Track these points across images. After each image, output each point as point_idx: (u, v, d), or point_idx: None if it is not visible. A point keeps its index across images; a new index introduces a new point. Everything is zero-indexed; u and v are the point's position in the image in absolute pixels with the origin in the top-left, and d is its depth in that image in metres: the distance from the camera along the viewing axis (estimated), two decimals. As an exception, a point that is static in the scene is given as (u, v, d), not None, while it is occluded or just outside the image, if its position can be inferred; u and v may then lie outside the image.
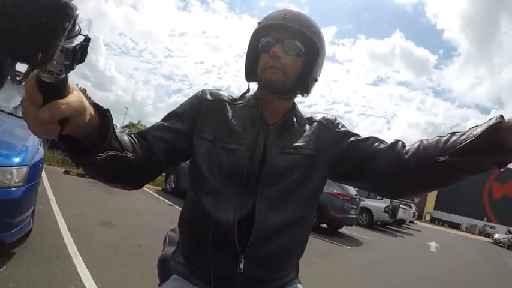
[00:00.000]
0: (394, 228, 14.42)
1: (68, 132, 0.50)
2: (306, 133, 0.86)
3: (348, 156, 0.84)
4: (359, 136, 0.88)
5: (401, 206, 14.95)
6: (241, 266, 0.75)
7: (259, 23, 0.83)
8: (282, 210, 0.78)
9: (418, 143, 0.77)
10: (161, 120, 0.83)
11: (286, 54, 0.78)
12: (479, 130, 0.66)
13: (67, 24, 0.33)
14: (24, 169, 2.13)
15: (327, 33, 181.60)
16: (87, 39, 0.39)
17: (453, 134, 0.72)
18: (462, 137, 0.68)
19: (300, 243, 0.86)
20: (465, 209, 41.50)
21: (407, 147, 0.79)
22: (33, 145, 2.42)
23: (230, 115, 0.84)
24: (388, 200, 12.24)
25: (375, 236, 9.42)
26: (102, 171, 0.65)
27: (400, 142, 0.81)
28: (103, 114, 0.56)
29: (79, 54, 0.39)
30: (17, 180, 2.05)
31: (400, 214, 14.46)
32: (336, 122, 0.90)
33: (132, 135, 0.74)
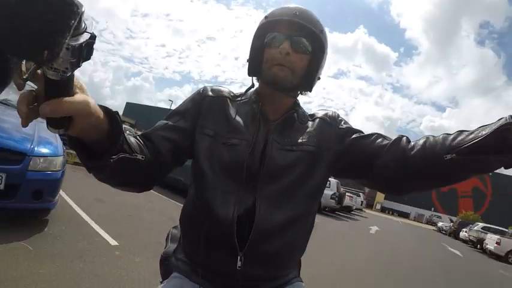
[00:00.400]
0: (341, 214, 15.92)
1: (75, 134, 0.51)
2: (308, 130, 0.85)
3: (351, 152, 0.83)
4: (362, 132, 0.87)
5: (347, 194, 16.62)
6: (240, 263, 0.74)
7: (266, 17, 0.81)
8: (283, 208, 0.77)
9: (423, 140, 0.75)
10: (164, 119, 0.83)
11: (294, 52, 0.78)
12: (488, 130, 0.64)
13: (73, 22, 0.34)
14: (61, 158, 3.08)
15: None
16: (93, 37, 0.39)
17: (461, 132, 0.71)
18: (470, 136, 0.67)
19: (301, 240, 0.85)
20: (414, 200, 45.19)
21: (412, 143, 0.77)
22: (58, 138, 3.34)
23: (231, 111, 0.84)
24: (335, 188, 13.73)
25: (322, 220, 10.93)
26: (113, 175, 0.64)
27: (405, 137, 0.80)
28: (112, 118, 0.56)
29: (85, 51, 0.39)
30: (58, 167, 3.02)
31: (347, 201, 16.06)
32: (339, 118, 0.90)
33: (138, 137, 0.74)
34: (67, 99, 0.44)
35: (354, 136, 0.85)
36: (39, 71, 0.41)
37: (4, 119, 3.00)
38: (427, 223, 36.29)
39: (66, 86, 0.44)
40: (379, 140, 0.82)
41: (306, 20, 0.78)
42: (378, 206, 41.86)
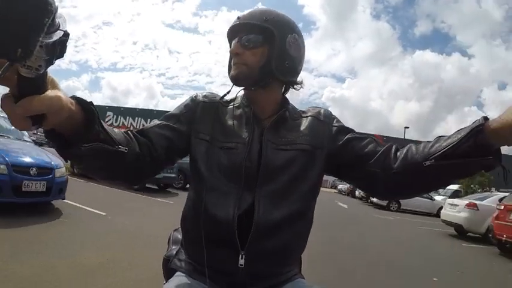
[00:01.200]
0: None
1: (49, 127, 0.51)
2: (301, 128, 0.87)
3: (343, 152, 0.84)
4: (355, 132, 0.88)
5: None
6: (242, 261, 0.76)
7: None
8: (281, 206, 0.79)
9: (407, 149, 0.78)
10: (160, 120, 0.85)
11: (245, 49, 0.81)
12: (462, 134, 0.66)
13: (46, 19, 0.34)
14: (64, 168, 4.93)
15: (190, 5, 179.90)
16: (66, 34, 0.39)
17: (439, 138, 0.72)
18: (447, 141, 0.68)
19: (301, 238, 0.86)
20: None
21: (398, 153, 0.79)
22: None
23: (224, 116, 0.87)
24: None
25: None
26: (93, 166, 0.67)
27: (394, 146, 0.81)
28: (87, 109, 0.57)
29: (58, 49, 0.39)
30: (64, 173, 4.87)
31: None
32: (332, 116, 0.91)
33: (129, 132, 0.75)
34: (38, 97, 0.44)
35: (347, 136, 0.86)
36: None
37: (27, 147, 4.79)
38: (331, 187, 38.45)
39: (39, 83, 0.44)
40: (371, 145, 0.83)
41: (247, 18, 0.82)
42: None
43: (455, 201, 8.94)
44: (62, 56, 0.41)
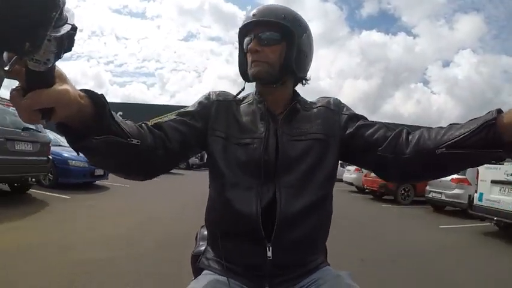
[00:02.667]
0: (205, 168, 22.36)
1: (58, 121, 0.52)
2: (313, 118, 0.88)
3: (354, 139, 0.86)
4: (366, 119, 0.90)
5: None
6: (270, 253, 0.77)
7: (239, 26, 0.87)
8: (302, 195, 0.80)
9: (419, 134, 0.78)
10: (176, 115, 0.86)
11: (264, 46, 0.83)
12: (475, 125, 0.67)
13: (54, 13, 0.34)
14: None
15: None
16: (74, 28, 0.39)
17: (452, 126, 0.74)
18: (460, 130, 0.69)
19: (324, 225, 0.87)
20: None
21: (410, 137, 0.80)
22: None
23: (239, 113, 0.89)
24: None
25: (192, 173, 16.81)
26: (105, 159, 0.67)
27: (405, 130, 0.82)
28: (97, 102, 0.57)
29: (66, 43, 0.39)
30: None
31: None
32: (341, 105, 0.92)
33: (143, 124, 0.76)
34: (46, 90, 0.44)
35: (358, 123, 0.87)
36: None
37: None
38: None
39: (47, 76, 0.44)
40: (382, 130, 0.84)
41: (263, 15, 0.83)
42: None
43: (350, 167, 13.20)
44: (70, 50, 0.41)
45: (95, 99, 0.57)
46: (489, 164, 3.39)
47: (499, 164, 5.32)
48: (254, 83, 0.92)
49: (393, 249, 4.21)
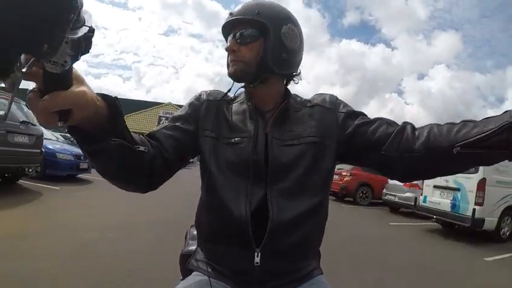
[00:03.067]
0: (187, 167, 22.85)
1: (73, 123, 0.51)
2: (307, 119, 0.84)
3: (354, 139, 0.82)
4: (364, 116, 0.86)
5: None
6: (257, 259, 0.75)
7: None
8: (295, 201, 0.78)
9: (428, 129, 0.75)
10: (168, 121, 0.85)
11: (240, 45, 0.81)
12: (492, 125, 0.65)
13: (72, 15, 0.34)
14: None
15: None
16: (91, 30, 0.39)
17: (465, 124, 0.71)
18: (475, 130, 0.68)
19: (317, 231, 0.85)
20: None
21: (417, 132, 0.77)
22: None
23: (229, 112, 0.86)
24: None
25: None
26: (111, 165, 0.65)
27: (409, 126, 0.79)
28: (112, 104, 0.57)
29: (84, 45, 0.39)
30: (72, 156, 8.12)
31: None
32: (337, 101, 0.88)
33: (140, 136, 0.74)
34: (63, 92, 0.44)
35: (357, 122, 0.83)
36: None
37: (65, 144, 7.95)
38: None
39: (65, 78, 0.44)
40: (383, 127, 0.81)
41: (239, 13, 0.80)
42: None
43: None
44: (88, 52, 0.41)
45: (110, 101, 0.57)
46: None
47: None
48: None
49: (345, 238, 4.94)
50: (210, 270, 0.83)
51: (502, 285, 3.68)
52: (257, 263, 0.76)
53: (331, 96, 0.90)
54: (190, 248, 0.93)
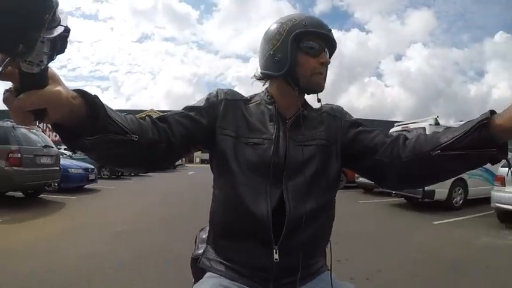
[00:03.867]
0: (171, 170, 22.42)
1: (50, 122, 0.51)
2: (318, 124, 0.90)
3: (354, 144, 0.88)
4: (365, 126, 0.92)
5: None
6: (276, 256, 0.78)
7: (304, 25, 0.84)
8: (309, 199, 0.81)
9: (416, 138, 0.80)
10: (182, 109, 0.86)
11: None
12: (469, 126, 0.68)
13: (47, 15, 0.34)
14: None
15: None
16: (67, 30, 0.39)
17: (448, 129, 0.75)
18: (454, 133, 0.71)
19: (327, 229, 0.89)
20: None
21: (407, 142, 0.82)
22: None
23: (248, 113, 0.88)
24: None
25: (163, 174, 18.10)
26: (103, 155, 0.67)
27: (402, 137, 0.84)
28: (90, 102, 0.57)
29: (59, 44, 0.40)
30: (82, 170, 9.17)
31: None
32: (343, 112, 0.95)
33: (147, 117, 0.77)
34: (37, 91, 0.44)
35: (358, 129, 0.89)
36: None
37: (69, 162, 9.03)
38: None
39: (41, 78, 0.44)
40: (380, 136, 0.86)
41: (329, 32, 0.86)
42: (198, 160, 46.84)
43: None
44: (63, 52, 0.41)
45: (89, 99, 0.57)
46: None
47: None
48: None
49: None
50: (223, 269, 0.84)
51: (438, 240, 4.62)
52: (276, 259, 0.78)
53: (338, 106, 0.97)
54: (200, 252, 0.93)
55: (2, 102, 0.47)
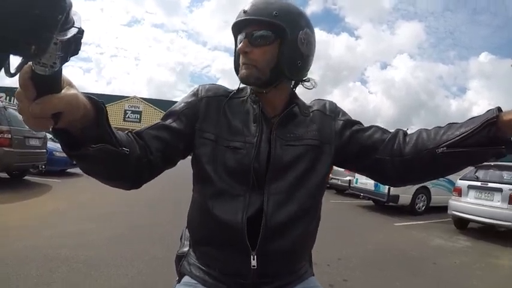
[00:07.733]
0: None
1: (61, 126, 0.50)
2: (309, 123, 0.85)
3: (350, 145, 0.84)
4: (361, 124, 0.89)
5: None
6: (254, 262, 0.75)
7: (244, 12, 0.79)
8: (290, 203, 0.78)
9: (417, 134, 0.79)
10: (160, 119, 0.82)
11: (254, 47, 0.78)
12: (476, 123, 0.67)
13: (60, 16, 0.34)
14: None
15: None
16: (80, 32, 0.39)
17: (451, 125, 0.74)
18: (460, 130, 0.70)
19: (311, 233, 0.86)
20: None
21: (407, 138, 0.80)
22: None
23: (230, 110, 0.83)
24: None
25: None
26: (96, 167, 0.65)
27: (401, 132, 0.82)
28: (98, 108, 0.56)
29: (73, 46, 0.39)
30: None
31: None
32: (337, 110, 0.90)
33: (129, 133, 0.73)
34: (55, 95, 0.44)
35: (353, 128, 0.86)
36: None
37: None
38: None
39: (55, 81, 0.44)
40: (378, 133, 0.84)
41: (255, 12, 0.77)
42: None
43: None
44: (77, 53, 0.41)
45: (96, 105, 0.55)
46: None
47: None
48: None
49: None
50: (202, 275, 0.82)
51: (396, 238, 5.19)
52: (254, 266, 0.75)
53: (331, 103, 0.91)
54: (185, 249, 0.91)
55: None
